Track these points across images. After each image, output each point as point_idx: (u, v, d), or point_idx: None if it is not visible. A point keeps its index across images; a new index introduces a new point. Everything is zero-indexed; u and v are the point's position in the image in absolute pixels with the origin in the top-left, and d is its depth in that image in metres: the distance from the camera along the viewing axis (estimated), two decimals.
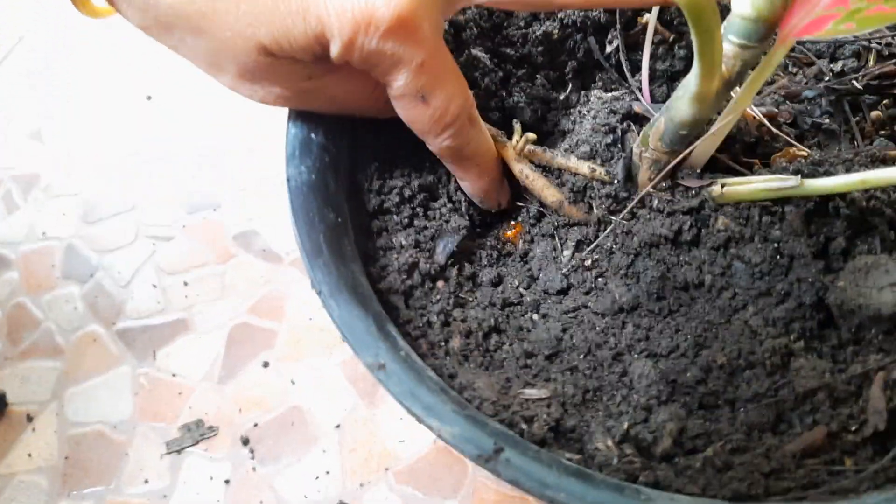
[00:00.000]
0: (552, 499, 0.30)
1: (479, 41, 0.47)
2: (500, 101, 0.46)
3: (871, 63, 0.47)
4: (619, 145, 0.42)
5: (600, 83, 0.48)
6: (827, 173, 0.39)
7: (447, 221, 0.44)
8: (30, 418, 0.60)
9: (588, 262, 0.42)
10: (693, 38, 0.31)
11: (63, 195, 0.71)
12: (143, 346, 0.62)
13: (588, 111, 0.44)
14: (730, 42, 0.34)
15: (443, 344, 0.39)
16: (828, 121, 0.45)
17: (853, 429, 0.34)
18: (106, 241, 0.68)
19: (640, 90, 0.44)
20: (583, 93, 0.47)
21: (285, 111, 0.41)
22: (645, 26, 0.46)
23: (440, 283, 0.42)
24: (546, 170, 0.44)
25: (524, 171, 0.43)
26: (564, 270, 0.43)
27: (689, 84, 0.35)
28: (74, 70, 0.79)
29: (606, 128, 0.43)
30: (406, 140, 0.40)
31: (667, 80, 0.47)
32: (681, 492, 0.32)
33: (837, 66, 0.47)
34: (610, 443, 0.34)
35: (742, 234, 0.38)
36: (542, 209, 0.44)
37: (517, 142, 0.43)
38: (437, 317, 0.40)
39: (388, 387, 0.33)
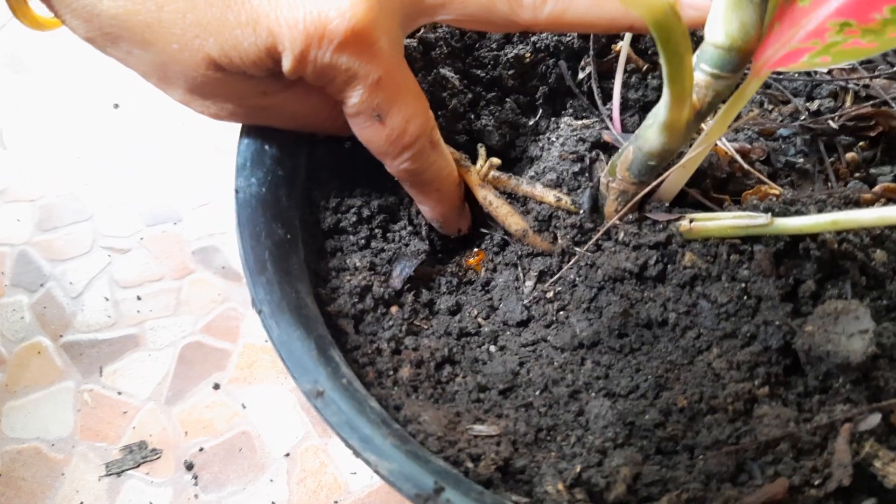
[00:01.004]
0: None
1: (449, 61, 0.45)
2: (468, 123, 0.45)
3: (847, 104, 0.46)
4: (587, 174, 0.41)
5: (571, 110, 0.46)
6: (798, 213, 0.37)
7: (406, 245, 0.42)
8: None
9: (550, 294, 0.40)
10: (662, 61, 0.29)
11: (20, 200, 0.68)
12: (89, 361, 0.59)
13: (557, 138, 0.43)
14: (702, 71, 0.32)
15: (391, 373, 0.37)
16: (802, 160, 0.44)
17: (816, 483, 0.32)
18: (60, 250, 0.65)
19: (611, 119, 0.43)
20: (553, 119, 0.46)
21: None
22: (618, 54, 0.45)
23: (394, 309, 0.40)
24: (511, 197, 0.42)
25: (488, 198, 0.42)
26: (526, 301, 0.41)
27: (659, 112, 0.33)
28: (42, 75, 0.77)
29: (574, 156, 0.41)
30: (368, 157, 0.39)
31: (639, 111, 0.45)
32: None
33: (814, 106, 0.46)
34: (561, 486, 0.32)
35: (709, 272, 0.37)
36: (506, 237, 0.43)
37: (481, 167, 0.41)
38: (388, 344, 0.38)
39: (325, 416, 0.31)
